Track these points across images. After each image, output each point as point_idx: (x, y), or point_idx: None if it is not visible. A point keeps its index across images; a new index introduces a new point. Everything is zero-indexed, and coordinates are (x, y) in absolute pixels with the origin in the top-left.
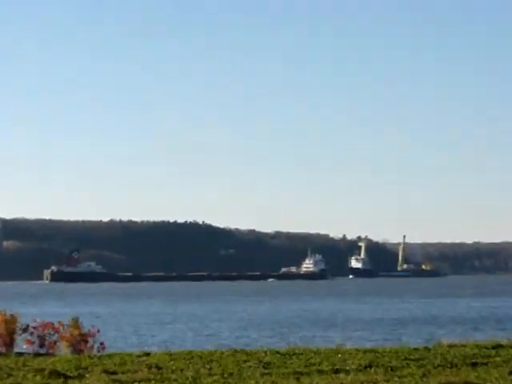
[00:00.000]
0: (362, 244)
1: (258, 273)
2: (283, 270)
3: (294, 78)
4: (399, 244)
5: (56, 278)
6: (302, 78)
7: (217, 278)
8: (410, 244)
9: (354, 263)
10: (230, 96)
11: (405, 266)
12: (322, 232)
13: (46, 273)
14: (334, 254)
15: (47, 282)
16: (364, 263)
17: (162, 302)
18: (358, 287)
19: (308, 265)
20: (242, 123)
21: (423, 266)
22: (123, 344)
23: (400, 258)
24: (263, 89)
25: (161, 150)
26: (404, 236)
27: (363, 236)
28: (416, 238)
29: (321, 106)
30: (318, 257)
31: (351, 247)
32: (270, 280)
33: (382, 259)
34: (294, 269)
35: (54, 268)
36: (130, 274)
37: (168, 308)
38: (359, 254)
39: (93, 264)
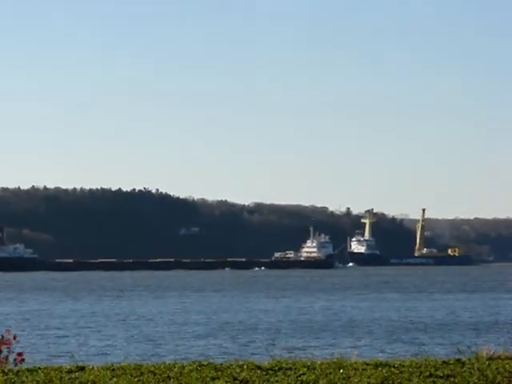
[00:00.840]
0: (366, 221)
1: (242, 259)
2: (276, 255)
3: None
4: (418, 221)
5: None
6: None
7: (189, 266)
8: (435, 221)
9: (356, 246)
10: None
11: (424, 251)
12: (319, 204)
13: None
14: (335, 235)
15: None
16: (369, 247)
17: (111, 298)
18: (356, 279)
19: (310, 248)
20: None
21: (449, 251)
22: (49, 355)
23: (418, 239)
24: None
25: (98, 101)
26: (423, 210)
27: (374, 210)
28: (443, 212)
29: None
30: (324, 238)
31: (358, 225)
32: (258, 269)
33: (398, 241)
34: (291, 254)
35: None
36: (71, 260)
37: (119, 306)
38: (362, 235)
39: (21, 247)
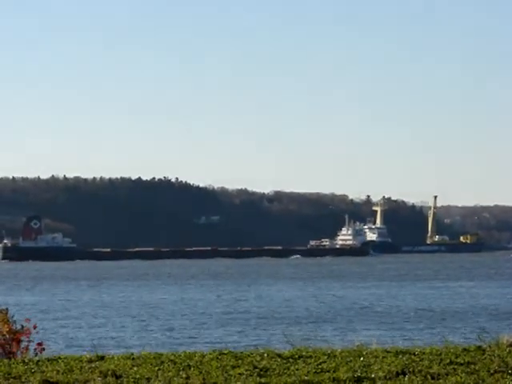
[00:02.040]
0: (377, 208)
1: (278, 247)
2: (312, 243)
3: None
4: (434, 208)
5: (9, 254)
6: None
7: (226, 255)
8: (455, 208)
9: (368, 234)
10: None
11: (436, 238)
12: (338, 192)
13: None
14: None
15: None
16: (380, 234)
17: (148, 287)
18: (370, 267)
19: (345, 236)
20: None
21: (461, 238)
22: (70, 345)
23: (430, 227)
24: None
25: (117, 92)
26: (435, 197)
27: (393, 198)
28: (463, 199)
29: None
30: (360, 226)
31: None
32: (294, 257)
33: (412, 229)
34: (326, 242)
35: (6, 242)
36: (108, 249)
37: (153, 295)
38: (374, 222)
39: (59, 236)
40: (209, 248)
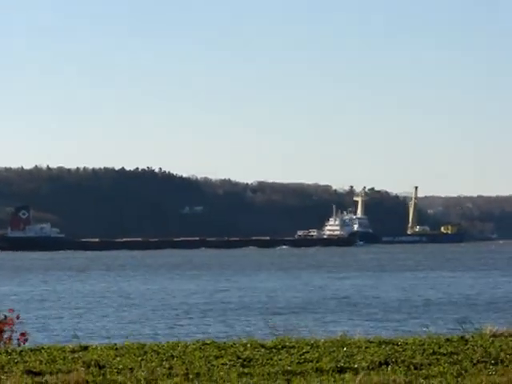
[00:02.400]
0: (358, 199)
1: (266, 237)
2: (299, 233)
3: None
4: (415, 198)
5: None
6: None
7: (213, 245)
8: (438, 198)
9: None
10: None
11: (417, 229)
12: (322, 183)
13: None
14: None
15: None
16: (361, 225)
17: (134, 278)
18: (354, 257)
19: (333, 227)
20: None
21: (442, 229)
22: (53, 335)
23: (411, 217)
24: None
25: (99, 82)
26: (416, 188)
27: (377, 188)
28: (447, 190)
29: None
30: (347, 216)
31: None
32: (280, 248)
33: (394, 219)
34: (314, 232)
35: None
36: (97, 239)
37: (138, 284)
38: (355, 212)
39: (47, 226)
40: (197, 238)
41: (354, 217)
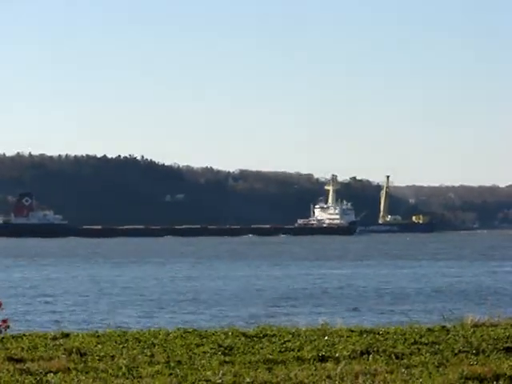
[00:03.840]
0: (329, 188)
1: (266, 226)
2: (299, 222)
3: None
4: (387, 187)
5: (1, 231)
6: None
7: (214, 233)
8: (420, 188)
9: (319, 214)
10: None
11: (388, 218)
12: (304, 172)
13: None
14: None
15: None
16: (332, 214)
17: (125, 265)
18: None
19: (332, 215)
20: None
21: (414, 218)
22: (36, 322)
23: (382, 206)
24: None
25: (81, 68)
26: (388, 177)
27: (360, 178)
28: (428, 179)
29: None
30: (347, 205)
31: (342, 191)
32: (282, 236)
33: (376, 208)
34: (314, 221)
35: None
36: (99, 227)
37: (125, 271)
38: (326, 202)
39: (50, 213)
40: (198, 226)
41: (325, 206)
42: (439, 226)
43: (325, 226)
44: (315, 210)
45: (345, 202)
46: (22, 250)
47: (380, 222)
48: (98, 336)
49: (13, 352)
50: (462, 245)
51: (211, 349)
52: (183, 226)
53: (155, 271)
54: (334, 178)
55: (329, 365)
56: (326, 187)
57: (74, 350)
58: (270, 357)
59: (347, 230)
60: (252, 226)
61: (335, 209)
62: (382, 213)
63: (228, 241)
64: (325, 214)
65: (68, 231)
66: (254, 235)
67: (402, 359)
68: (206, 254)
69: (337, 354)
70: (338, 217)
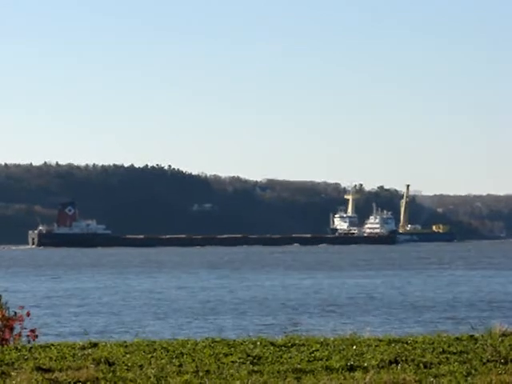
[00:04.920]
0: (349, 197)
1: (308, 235)
2: (340, 231)
3: None
4: (407, 197)
5: (45, 241)
6: None
7: (256, 242)
8: (447, 197)
9: (339, 223)
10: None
11: (408, 228)
12: (331, 181)
13: (32, 235)
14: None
15: (33, 246)
16: (351, 223)
17: (171, 275)
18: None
19: (373, 224)
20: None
21: (434, 228)
22: (64, 332)
23: (402, 216)
24: None
25: (108, 79)
26: (408, 186)
27: (387, 187)
28: (456, 189)
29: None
30: (387, 214)
31: (370, 201)
32: (324, 245)
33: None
34: (355, 230)
35: (41, 228)
36: (142, 236)
37: (164, 283)
38: (346, 211)
39: (93, 223)
40: (239, 235)
41: (345, 215)
42: (461, 235)
43: (365, 235)
44: (335, 219)
45: (385, 212)
46: (72, 259)
47: (400, 231)
48: (127, 346)
49: (41, 362)
50: (481, 255)
51: (239, 358)
52: (225, 236)
53: (223, 282)
54: (356, 187)
55: (357, 374)
56: (346, 196)
57: (102, 359)
58: (299, 366)
59: (388, 239)
60: (293, 235)
61: (375, 218)
62: (401, 222)
63: (277, 250)
64: (344, 223)
65: (111, 241)
66: (298, 244)
67: (431, 368)
68: (268, 263)
69: (365, 364)
70: (378, 226)
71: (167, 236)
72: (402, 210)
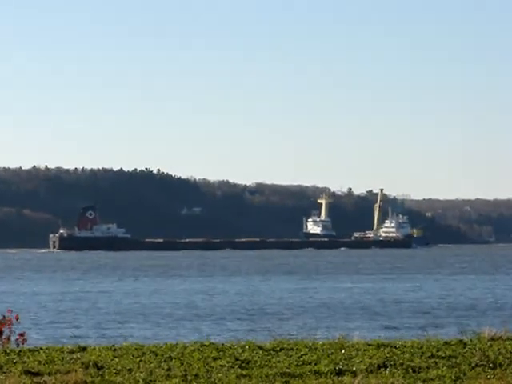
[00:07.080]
0: (322, 201)
1: (324, 239)
2: (356, 235)
3: None
4: (380, 201)
5: (65, 244)
6: None
7: (273, 246)
8: (436, 201)
9: (312, 227)
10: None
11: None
12: (320, 185)
13: (53, 238)
14: (336, 215)
15: (54, 250)
16: (324, 227)
17: (178, 278)
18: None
19: (389, 229)
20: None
21: (412, 232)
22: (54, 335)
23: (376, 220)
24: None
25: (99, 84)
26: (381, 190)
27: (376, 191)
28: (445, 193)
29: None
30: (403, 219)
31: (359, 205)
32: (343, 249)
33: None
34: (370, 234)
35: (62, 232)
36: (161, 240)
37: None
38: (319, 215)
39: (113, 227)
40: (257, 239)
41: (318, 219)
42: (447, 240)
43: (381, 239)
44: (308, 224)
45: (401, 216)
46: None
47: (371, 235)
48: (115, 350)
49: (30, 365)
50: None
51: (228, 362)
52: (243, 239)
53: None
54: (328, 191)
55: (346, 378)
56: (319, 200)
57: (90, 363)
58: (287, 370)
59: (404, 243)
60: (310, 240)
61: (391, 222)
62: (375, 226)
63: (293, 254)
64: (317, 227)
65: (131, 244)
66: (312, 248)
67: (419, 373)
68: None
69: (354, 368)
70: (394, 230)
71: (186, 240)
72: (376, 214)
